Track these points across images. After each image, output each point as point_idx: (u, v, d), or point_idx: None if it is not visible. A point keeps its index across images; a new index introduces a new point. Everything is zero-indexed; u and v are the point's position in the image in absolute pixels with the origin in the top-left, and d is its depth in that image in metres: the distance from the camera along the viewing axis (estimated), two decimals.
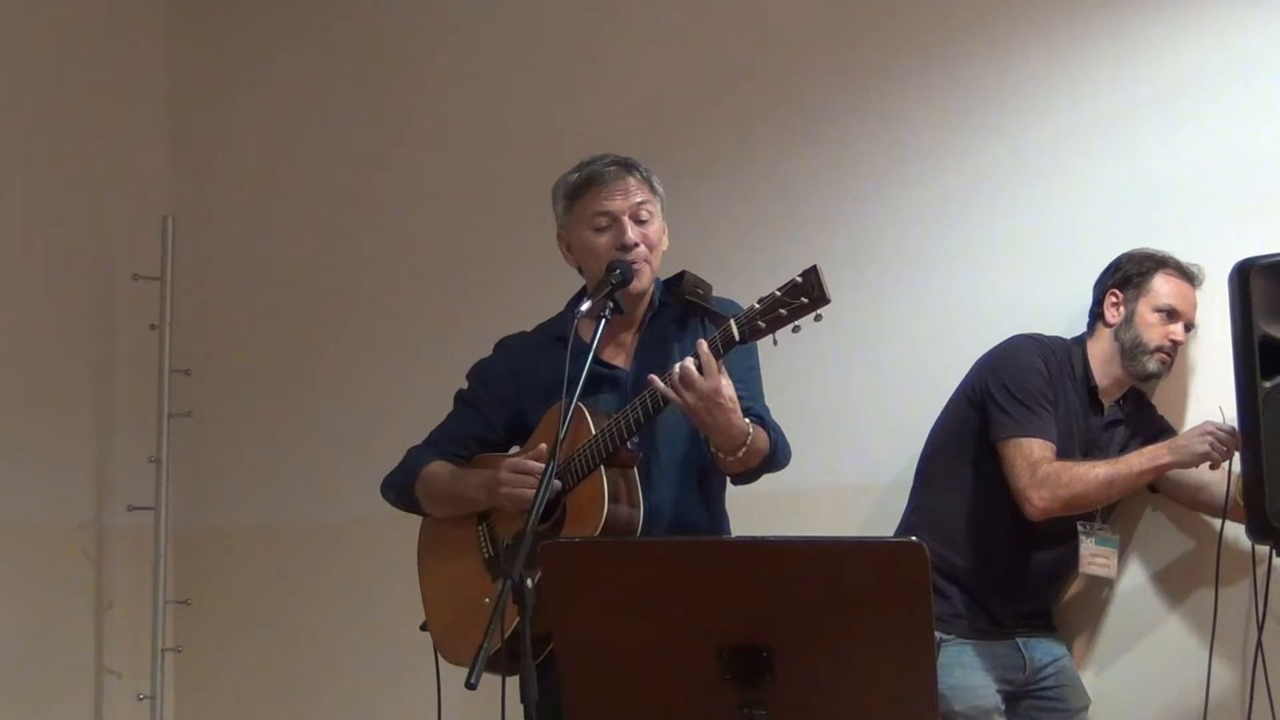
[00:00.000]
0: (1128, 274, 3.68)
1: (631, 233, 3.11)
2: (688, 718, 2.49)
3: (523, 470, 3.03)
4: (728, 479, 3.20)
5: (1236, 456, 3.40)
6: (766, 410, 3.14)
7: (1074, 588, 3.82)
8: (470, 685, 2.51)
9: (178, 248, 4.73)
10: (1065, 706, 3.67)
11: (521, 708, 2.55)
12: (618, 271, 3.06)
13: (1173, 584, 3.78)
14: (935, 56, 4.09)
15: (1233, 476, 3.45)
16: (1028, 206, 3.97)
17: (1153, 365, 3.65)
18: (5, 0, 4.56)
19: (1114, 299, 3.69)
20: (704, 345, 2.89)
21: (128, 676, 4.72)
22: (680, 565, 2.47)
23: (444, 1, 4.80)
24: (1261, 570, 3.48)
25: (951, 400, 3.73)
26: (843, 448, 4.02)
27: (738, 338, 2.87)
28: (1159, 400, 3.79)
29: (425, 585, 3.34)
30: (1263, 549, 3.40)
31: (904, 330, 4.06)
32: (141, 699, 4.62)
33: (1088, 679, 3.77)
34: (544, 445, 2.94)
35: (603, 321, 3.01)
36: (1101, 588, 3.80)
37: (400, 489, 3.33)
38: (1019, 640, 3.64)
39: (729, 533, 3.23)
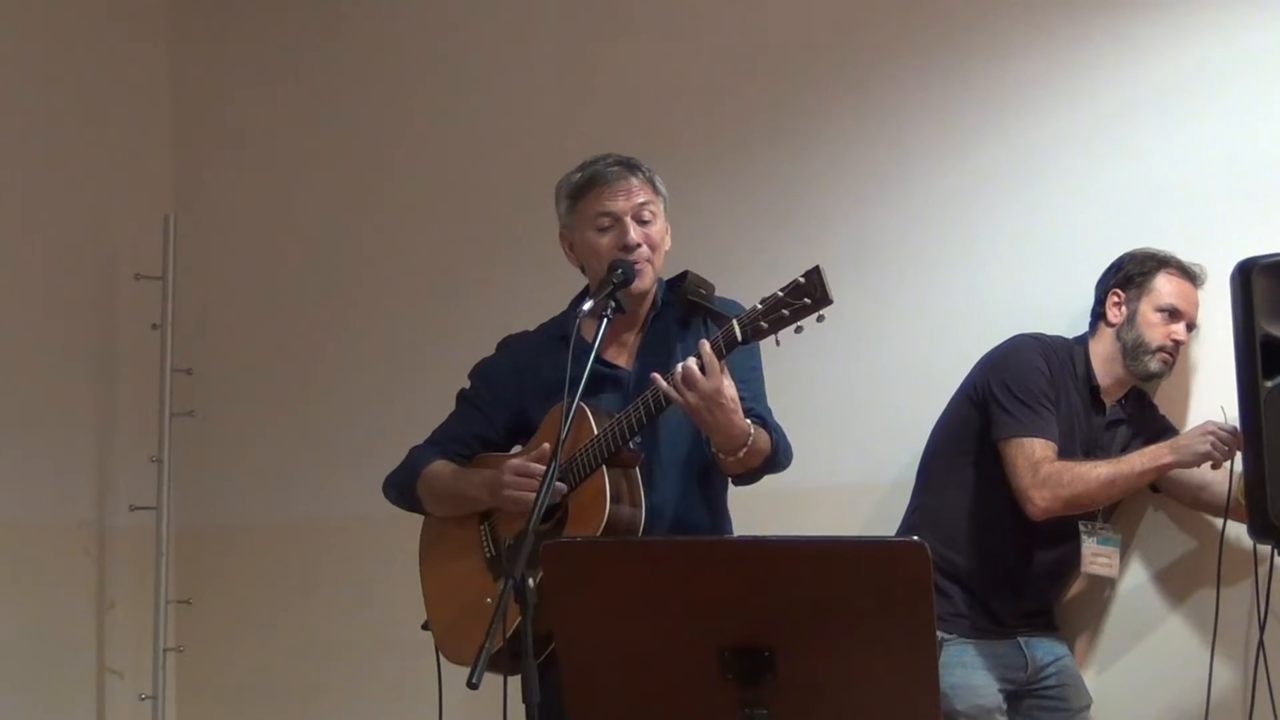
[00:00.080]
0: (1130, 274, 3.68)
1: (634, 233, 3.11)
2: (689, 717, 2.48)
3: (526, 473, 3.03)
4: (729, 479, 3.20)
5: (1238, 456, 3.40)
6: (769, 411, 3.14)
7: (1076, 587, 3.82)
8: (472, 685, 2.51)
9: (179, 247, 4.72)
10: (1067, 706, 3.67)
11: (523, 707, 2.55)
12: (619, 271, 3.06)
13: (1174, 583, 3.78)
14: (935, 56, 4.09)
15: (1234, 476, 3.46)
16: (1029, 206, 3.97)
17: (1154, 365, 3.65)
18: (6, 0, 4.56)
19: (1116, 299, 3.69)
20: (706, 345, 2.89)
21: (129, 676, 4.72)
22: (682, 565, 2.47)
23: (444, 2, 4.80)
24: (1263, 570, 3.49)
25: (953, 400, 3.73)
26: (844, 447, 4.02)
27: (740, 338, 2.87)
28: (1161, 400, 3.80)
29: (427, 585, 3.34)
30: (1264, 548, 3.40)
31: (906, 330, 4.06)
32: (143, 699, 4.62)
33: (1089, 678, 3.77)
34: (546, 446, 2.94)
35: (604, 321, 3.01)
36: (1103, 587, 3.80)
37: (402, 488, 3.34)
38: (1021, 640, 3.64)
39: (731, 533, 3.23)
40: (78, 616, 4.68)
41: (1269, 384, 3.20)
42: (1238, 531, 3.46)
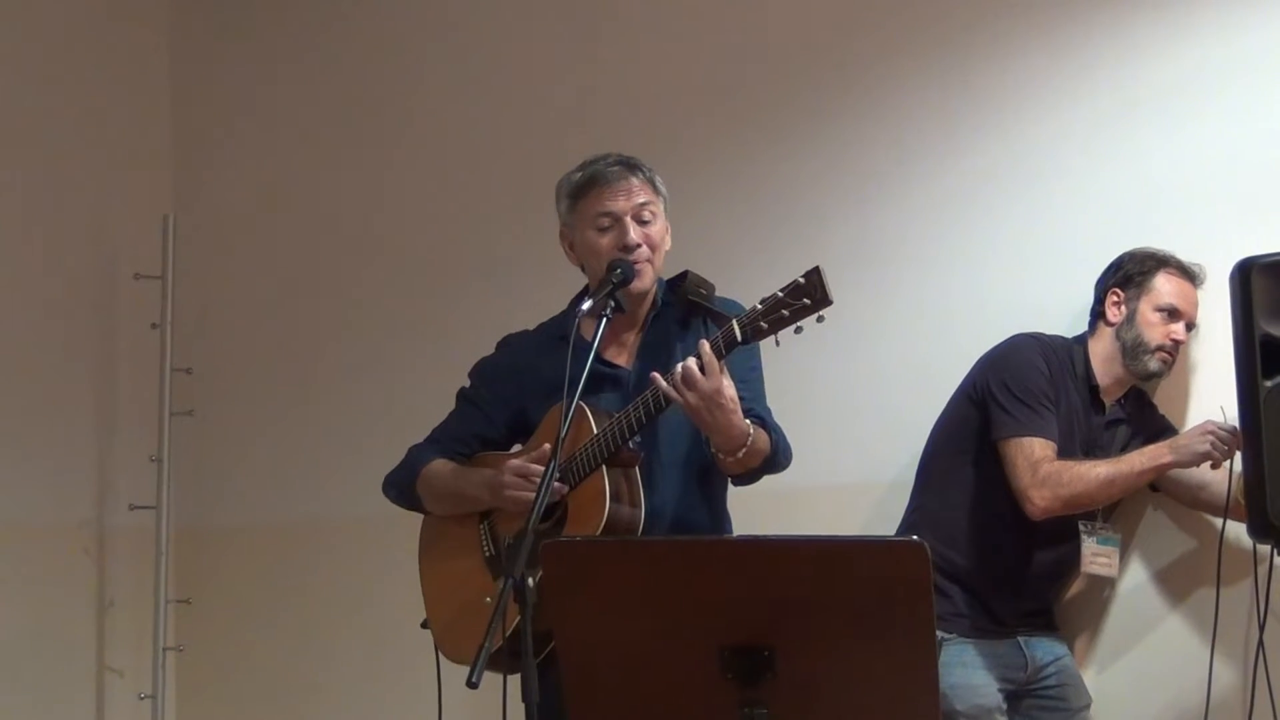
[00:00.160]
0: (1129, 273, 3.68)
1: (634, 233, 3.11)
2: (689, 716, 2.48)
3: (526, 474, 3.03)
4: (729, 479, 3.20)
5: (1238, 456, 3.40)
6: (768, 411, 3.15)
7: (1075, 587, 3.82)
8: (471, 684, 2.51)
9: (179, 247, 4.72)
10: (1067, 706, 3.67)
11: (522, 706, 2.55)
12: (619, 270, 3.07)
13: (1174, 583, 3.78)
14: (935, 56, 4.09)
15: (1234, 476, 3.46)
16: (1029, 206, 3.97)
17: (1154, 364, 3.65)
18: (6, 0, 4.56)
19: (1115, 298, 3.69)
20: (706, 345, 2.89)
21: (129, 675, 4.72)
22: (681, 564, 2.47)
23: (445, 2, 4.80)
24: (1263, 569, 3.48)
25: (952, 399, 3.73)
26: (844, 447, 4.02)
27: (740, 338, 2.87)
28: (1160, 399, 3.80)
29: (426, 583, 3.34)
30: (1264, 548, 3.40)
31: (905, 330, 4.06)
32: (143, 698, 4.62)
33: (1089, 678, 3.77)
34: (547, 446, 2.94)
35: (604, 320, 3.01)
36: (1103, 587, 3.80)
37: (402, 487, 3.34)
38: (1020, 639, 3.64)
39: (730, 532, 3.23)
40: (77, 616, 4.68)
41: (1268, 384, 3.20)
42: (1237, 531, 3.45)
